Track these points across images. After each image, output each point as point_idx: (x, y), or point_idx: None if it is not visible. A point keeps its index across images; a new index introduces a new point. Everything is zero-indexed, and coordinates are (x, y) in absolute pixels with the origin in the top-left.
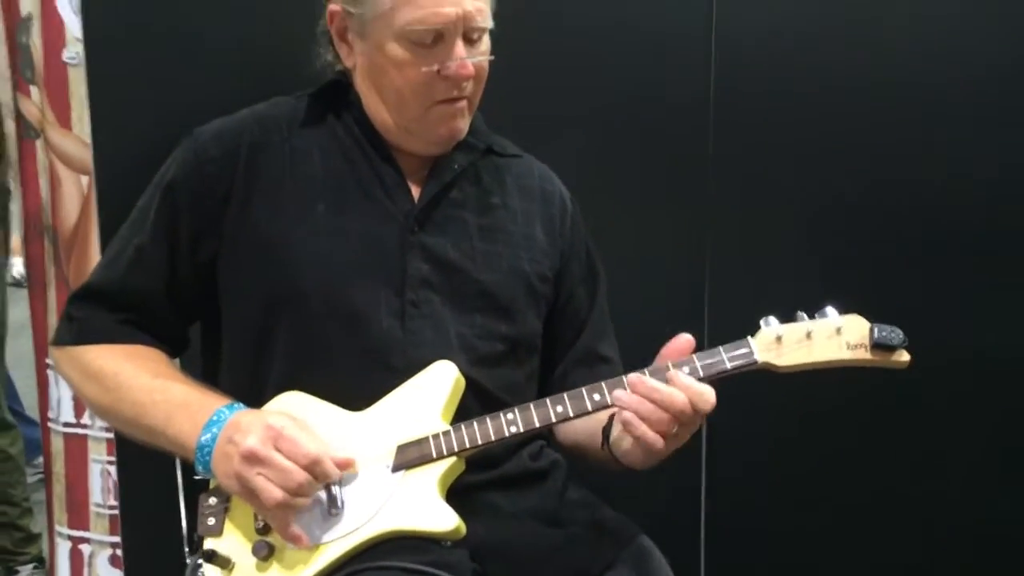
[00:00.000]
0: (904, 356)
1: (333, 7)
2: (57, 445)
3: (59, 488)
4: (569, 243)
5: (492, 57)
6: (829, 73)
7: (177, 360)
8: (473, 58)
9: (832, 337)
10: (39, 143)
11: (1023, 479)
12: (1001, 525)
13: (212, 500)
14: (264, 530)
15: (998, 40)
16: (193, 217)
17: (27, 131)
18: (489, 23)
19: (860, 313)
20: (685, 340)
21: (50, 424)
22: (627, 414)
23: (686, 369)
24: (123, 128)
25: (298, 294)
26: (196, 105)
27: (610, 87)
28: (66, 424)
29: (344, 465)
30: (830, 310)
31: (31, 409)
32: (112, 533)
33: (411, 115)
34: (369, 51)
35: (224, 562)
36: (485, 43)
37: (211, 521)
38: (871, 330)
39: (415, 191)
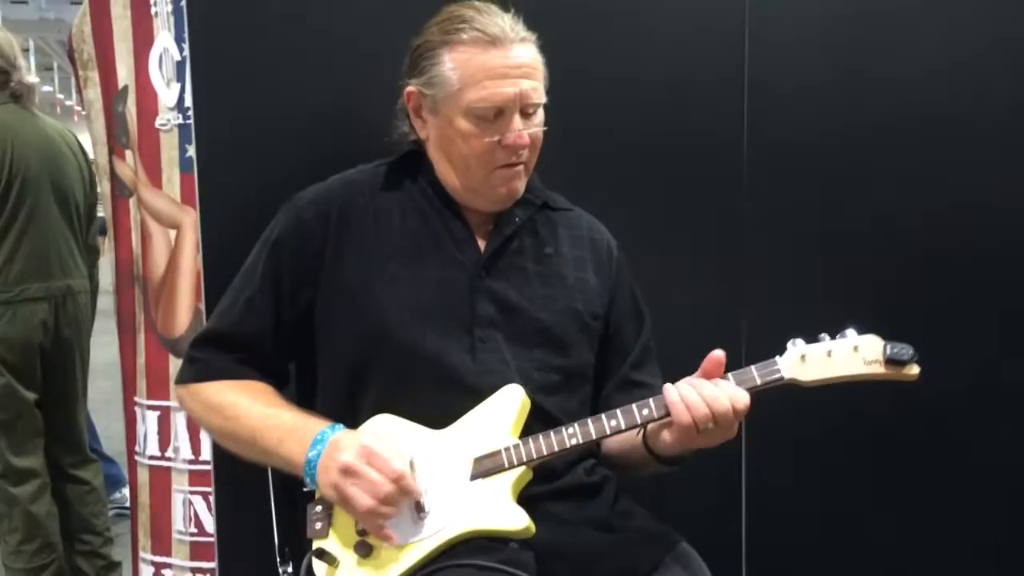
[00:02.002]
0: (914, 369)
1: (409, 89)
2: (143, 477)
3: (143, 517)
4: (616, 284)
5: (545, 128)
6: (860, 106)
7: None
8: (529, 129)
9: (851, 354)
10: (132, 201)
11: None
12: None
13: (318, 508)
14: (363, 532)
15: None
16: (294, 270)
17: (121, 191)
18: (542, 99)
19: (888, 336)
20: (717, 358)
21: (137, 457)
22: (673, 396)
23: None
24: (226, 189)
25: (383, 335)
26: (290, 169)
27: (647, 128)
28: (151, 457)
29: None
30: (850, 331)
31: (109, 448)
32: (192, 559)
33: (476, 178)
34: (440, 125)
35: (331, 559)
36: (539, 116)
37: (318, 525)
38: (884, 347)
39: (481, 243)
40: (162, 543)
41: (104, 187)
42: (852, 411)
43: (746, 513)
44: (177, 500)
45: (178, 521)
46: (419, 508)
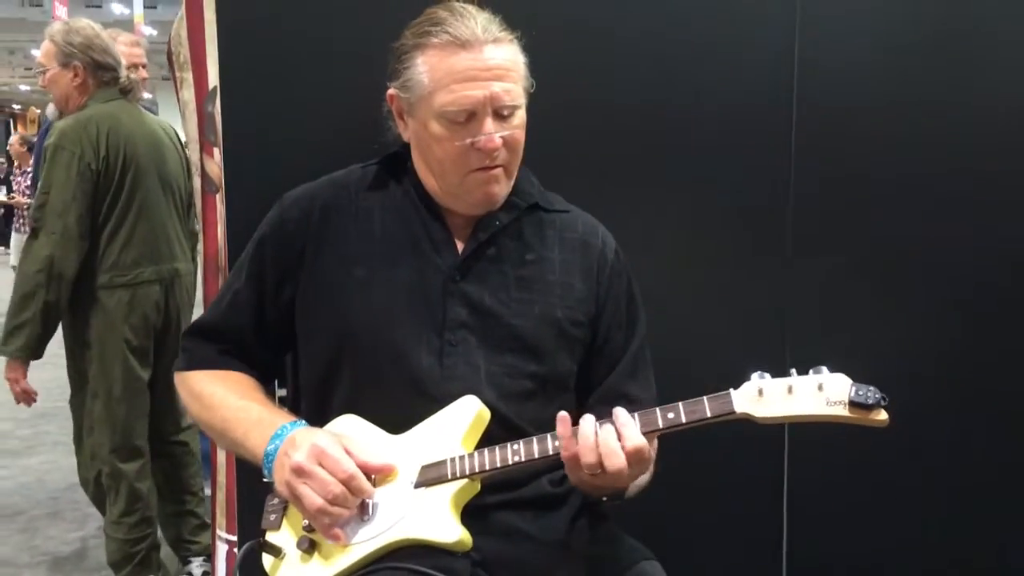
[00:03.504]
0: (881, 415)
1: (391, 91)
2: (221, 457)
3: (221, 496)
4: (607, 290)
5: (520, 130)
6: (913, 122)
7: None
8: (502, 132)
9: (814, 393)
10: (218, 197)
11: None
12: None
13: (275, 501)
14: (309, 528)
15: None
16: (277, 266)
17: (209, 187)
18: (519, 101)
19: (938, 369)
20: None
21: None
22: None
23: (671, 414)
24: (254, 191)
25: (355, 334)
26: (306, 166)
27: (694, 136)
28: None
29: (383, 471)
30: (823, 368)
31: None
32: None
33: (451, 181)
34: (417, 128)
35: (276, 551)
36: (518, 117)
37: (272, 517)
38: (851, 388)
39: (460, 246)
40: (235, 522)
41: (196, 183)
42: (904, 460)
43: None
44: None
45: None
46: (364, 510)
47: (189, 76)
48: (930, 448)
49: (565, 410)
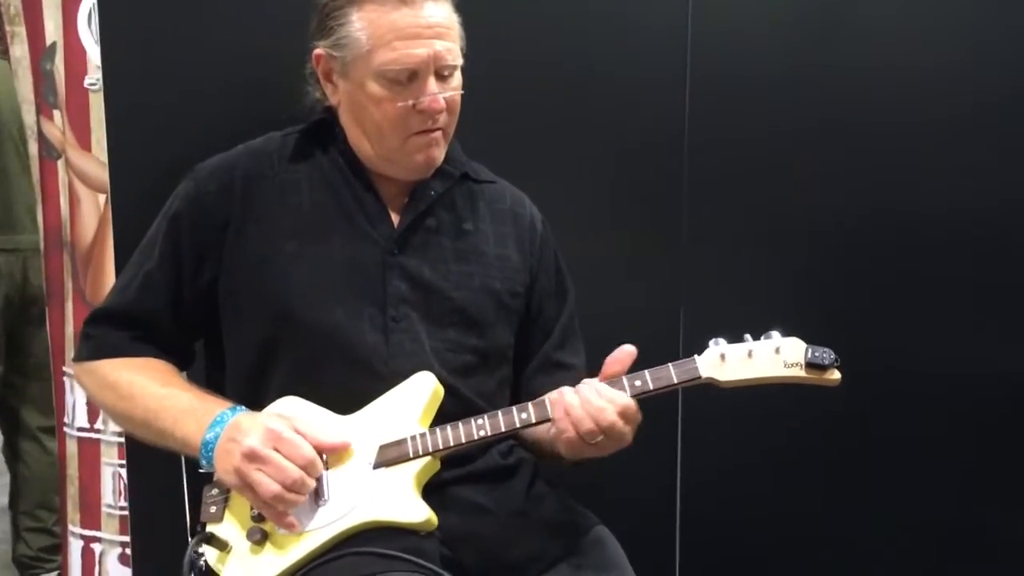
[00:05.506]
0: (835, 375)
1: (318, 51)
2: (72, 448)
3: (73, 489)
4: (538, 260)
5: (462, 91)
6: (805, 103)
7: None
8: (444, 93)
9: (772, 356)
10: (60, 163)
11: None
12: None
13: (215, 491)
14: (259, 518)
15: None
16: (195, 244)
17: (49, 152)
18: (459, 61)
19: (826, 333)
20: (627, 352)
21: (65, 429)
22: (558, 412)
23: (638, 382)
24: (138, 157)
25: (288, 315)
26: (204, 135)
27: (590, 115)
28: (80, 428)
29: (339, 449)
30: (775, 333)
31: None
32: (122, 533)
33: (390, 146)
34: (351, 89)
35: (222, 544)
36: (456, 79)
37: (213, 509)
38: (806, 350)
39: (395, 217)
40: (91, 517)
41: (32, 148)
42: (791, 408)
43: (680, 512)
44: (107, 473)
45: (107, 495)
46: (319, 495)
47: (22, 30)
48: (822, 423)
49: (505, 381)
